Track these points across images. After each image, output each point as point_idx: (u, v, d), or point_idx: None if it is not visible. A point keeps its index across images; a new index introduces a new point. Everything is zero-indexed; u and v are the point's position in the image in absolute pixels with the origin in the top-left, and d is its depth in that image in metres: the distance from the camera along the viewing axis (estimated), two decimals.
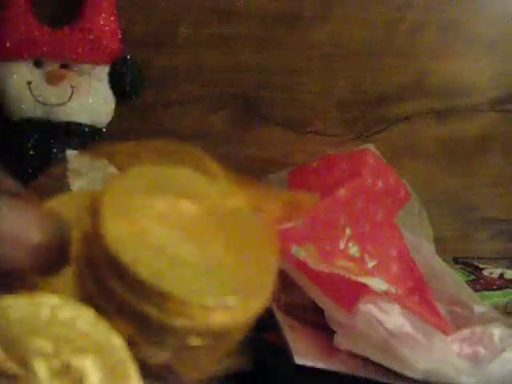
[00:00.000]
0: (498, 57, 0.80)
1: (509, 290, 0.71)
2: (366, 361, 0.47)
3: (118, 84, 0.69)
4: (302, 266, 0.52)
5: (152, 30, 0.77)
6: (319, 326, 0.50)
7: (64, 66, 0.67)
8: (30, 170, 0.63)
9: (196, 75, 0.79)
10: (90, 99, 0.67)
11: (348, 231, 0.58)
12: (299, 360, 0.46)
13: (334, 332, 0.48)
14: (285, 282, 0.54)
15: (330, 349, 0.48)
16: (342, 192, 0.58)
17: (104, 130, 0.71)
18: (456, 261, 0.81)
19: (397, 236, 0.61)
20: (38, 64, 0.67)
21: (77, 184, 0.60)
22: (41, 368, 0.33)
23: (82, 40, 0.66)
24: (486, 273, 0.77)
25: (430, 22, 0.79)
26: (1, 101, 0.67)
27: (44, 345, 0.34)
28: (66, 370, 0.34)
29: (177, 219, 0.40)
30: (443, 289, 0.57)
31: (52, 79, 0.66)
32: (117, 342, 0.36)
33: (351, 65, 0.79)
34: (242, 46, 0.78)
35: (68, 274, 0.38)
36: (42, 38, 0.66)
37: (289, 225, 0.55)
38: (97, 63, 0.68)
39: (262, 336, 0.51)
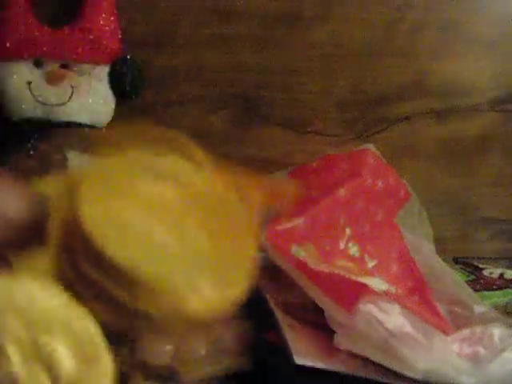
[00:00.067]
0: (498, 57, 0.80)
1: (509, 290, 0.71)
2: (365, 361, 0.47)
3: (118, 84, 0.69)
4: (302, 266, 0.52)
5: (152, 29, 0.77)
6: (319, 325, 0.50)
7: (64, 66, 0.67)
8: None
9: (196, 75, 0.79)
10: (90, 99, 0.67)
11: (348, 231, 0.58)
12: (299, 360, 0.46)
13: (334, 332, 0.48)
14: (285, 282, 0.54)
15: (330, 349, 0.48)
16: (342, 192, 0.58)
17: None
18: (456, 261, 0.81)
19: (397, 236, 0.61)
20: (37, 64, 0.67)
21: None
22: (14, 352, 0.33)
23: (82, 40, 0.66)
24: (485, 273, 0.77)
25: (430, 22, 0.79)
26: (1, 101, 0.67)
27: (17, 327, 0.33)
28: (37, 353, 0.33)
29: (157, 204, 0.40)
30: (443, 289, 0.57)
31: (52, 79, 0.66)
32: (90, 325, 0.36)
33: (351, 65, 0.79)
34: (242, 46, 0.78)
35: (44, 258, 0.38)
36: (42, 38, 0.66)
37: (288, 224, 0.55)
38: (97, 63, 0.68)
39: (262, 336, 0.51)
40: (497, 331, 0.49)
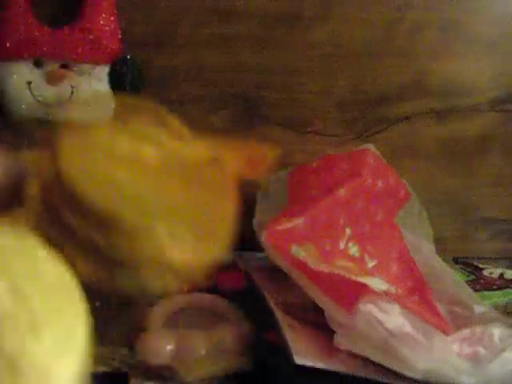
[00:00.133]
0: (498, 57, 0.80)
1: (509, 290, 0.71)
2: (365, 361, 0.47)
3: (118, 84, 0.69)
4: (302, 266, 0.52)
5: (152, 29, 0.77)
6: (319, 325, 0.50)
7: (64, 66, 0.67)
8: None
9: (196, 75, 0.79)
10: (90, 99, 0.67)
11: (348, 231, 0.58)
12: (299, 360, 0.46)
13: (334, 332, 0.48)
14: (285, 282, 0.54)
15: (330, 349, 0.48)
16: (342, 192, 0.58)
17: None
18: (456, 261, 0.81)
19: (397, 236, 0.61)
20: (37, 64, 0.67)
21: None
22: None
23: (82, 40, 0.66)
24: (486, 273, 0.77)
25: (430, 22, 0.79)
26: (1, 101, 0.67)
27: None
28: (14, 301, 0.33)
29: (136, 160, 0.40)
30: (443, 289, 0.57)
31: (52, 79, 0.66)
32: (66, 274, 0.36)
33: (351, 65, 0.79)
34: (242, 46, 0.78)
35: (23, 219, 0.38)
36: (42, 38, 0.66)
37: (288, 224, 0.55)
38: (97, 63, 0.68)
39: (262, 336, 0.51)
40: (497, 331, 0.49)
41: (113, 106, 0.70)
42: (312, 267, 0.52)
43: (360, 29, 0.78)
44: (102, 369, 0.51)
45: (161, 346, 0.49)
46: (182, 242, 0.38)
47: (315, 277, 0.51)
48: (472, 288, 0.62)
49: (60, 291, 0.34)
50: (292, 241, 0.54)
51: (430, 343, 0.46)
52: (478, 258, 0.83)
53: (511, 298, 0.69)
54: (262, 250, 0.55)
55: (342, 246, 0.57)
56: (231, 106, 0.80)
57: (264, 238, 0.54)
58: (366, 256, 0.58)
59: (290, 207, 0.59)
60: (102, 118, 0.70)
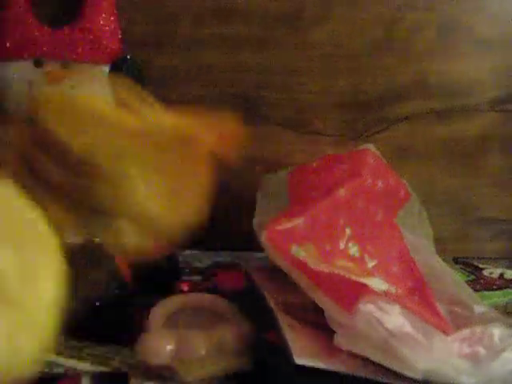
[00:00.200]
0: (498, 57, 0.80)
1: (509, 290, 0.71)
2: (365, 361, 0.47)
3: None
4: (302, 266, 0.52)
5: (152, 30, 0.77)
6: (319, 325, 0.50)
7: (64, 66, 0.67)
8: None
9: (196, 75, 0.79)
10: None
11: (348, 231, 0.58)
12: (299, 360, 0.46)
13: (334, 332, 0.48)
14: (285, 282, 0.54)
15: (330, 349, 0.48)
16: (341, 192, 0.58)
17: None
18: (456, 261, 0.81)
19: (397, 236, 0.61)
20: (38, 64, 0.67)
21: None
22: None
23: (82, 40, 0.66)
24: (486, 273, 0.77)
25: (430, 22, 0.79)
26: (1, 101, 0.67)
27: None
28: None
29: (116, 123, 0.41)
30: (443, 289, 0.57)
31: (52, 79, 0.66)
32: (43, 223, 0.36)
33: (351, 65, 0.79)
34: (242, 46, 0.78)
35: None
36: (42, 38, 0.66)
37: (288, 224, 0.55)
38: (97, 63, 0.68)
39: (262, 336, 0.51)
40: (497, 331, 0.49)
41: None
42: (312, 267, 0.52)
43: (360, 29, 0.78)
44: (102, 369, 0.51)
45: (161, 346, 0.49)
46: (157, 195, 0.39)
47: (315, 277, 0.51)
48: (472, 288, 0.62)
49: (36, 240, 0.35)
50: (292, 241, 0.54)
51: (430, 343, 0.46)
52: (478, 258, 0.83)
53: (511, 298, 0.69)
54: (262, 250, 0.55)
55: (341, 245, 0.57)
56: (231, 106, 0.80)
57: (264, 238, 0.54)
58: (366, 256, 0.58)
59: (290, 207, 0.59)
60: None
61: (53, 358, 0.52)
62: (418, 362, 0.45)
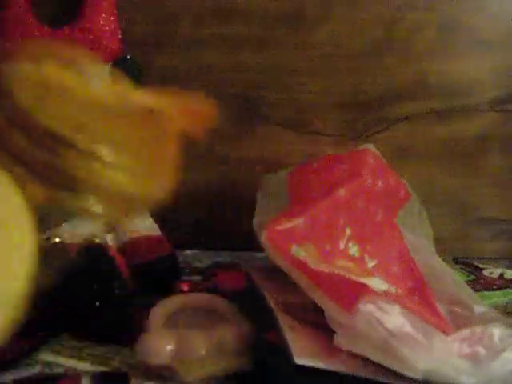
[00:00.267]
0: (498, 57, 0.80)
1: (509, 290, 0.71)
2: (365, 361, 0.47)
3: None
4: (302, 266, 0.52)
5: (152, 29, 0.77)
6: (319, 325, 0.50)
7: None
8: None
9: (196, 75, 0.79)
10: None
11: (348, 231, 0.58)
12: (299, 360, 0.46)
13: (334, 332, 0.48)
14: (285, 282, 0.54)
15: (330, 349, 0.48)
16: (342, 192, 0.58)
17: None
18: (456, 261, 0.81)
19: (397, 236, 0.61)
20: None
21: None
22: None
23: (82, 40, 0.66)
24: (486, 273, 0.77)
25: (430, 22, 0.79)
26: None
27: None
28: None
29: (86, 95, 0.41)
30: (443, 289, 0.57)
31: None
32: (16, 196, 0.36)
33: (351, 65, 0.79)
34: (242, 46, 0.78)
35: None
36: (42, 38, 0.66)
37: (288, 224, 0.55)
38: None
39: (262, 336, 0.51)
40: (497, 331, 0.49)
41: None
42: (312, 267, 0.52)
43: (360, 29, 0.78)
44: (102, 369, 0.51)
45: (161, 346, 0.49)
46: (126, 169, 0.40)
47: (315, 277, 0.51)
48: (472, 288, 0.62)
49: (9, 214, 0.35)
50: (292, 241, 0.54)
51: (430, 343, 0.46)
52: (478, 258, 0.83)
53: (511, 298, 0.69)
54: (262, 250, 0.55)
55: (341, 245, 0.57)
56: (231, 106, 0.80)
57: (264, 237, 0.54)
58: (366, 256, 0.58)
59: (290, 207, 0.59)
60: None
61: (53, 358, 0.52)
62: (418, 361, 0.45)
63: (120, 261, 0.62)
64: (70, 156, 0.39)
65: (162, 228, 0.70)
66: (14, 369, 0.50)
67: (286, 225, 0.55)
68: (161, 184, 0.44)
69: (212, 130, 0.80)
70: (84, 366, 0.51)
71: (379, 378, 0.46)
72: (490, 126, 0.82)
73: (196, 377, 0.49)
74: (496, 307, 0.62)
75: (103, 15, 0.68)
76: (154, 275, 0.66)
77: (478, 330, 0.49)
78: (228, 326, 0.53)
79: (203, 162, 0.82)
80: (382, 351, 0.46)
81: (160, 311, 0.55)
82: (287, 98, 0.80)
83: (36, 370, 0.50)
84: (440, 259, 0.62)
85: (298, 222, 0.55)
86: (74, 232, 0.63)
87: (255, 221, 0.59)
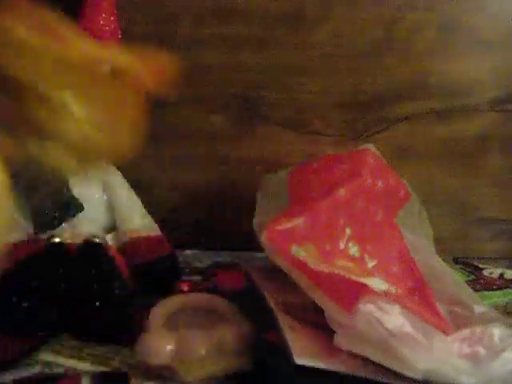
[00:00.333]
0: (498, 57, 0.80)
1: (509, 290, 0.71)
2: (365, 361, 0.47)
3: None
4: (302, 266, 0.52)
5: (152, 29, 0.77)
6: (319, 325, 0.50)
7: None
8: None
9: (196, 75, 0.79)
10: None
11: (348, 231, 0.58)
12: (299, 360, 0.46)
13: (334, 332, 0.48)
14: (285, 282, 0.54)
15: (330, 349, 0.48)
16: (342, 192, 0.58)
17: None
18: (456, 261, 0.81)
19: (397, 236, 0.61)
20: None
21: None
22: None
23: None
24: (486, 273, 0.77)
25: (430, 22, 0.79)
26: None
27: None
28: None
29: (52, 51, 0.43)
30: (443, 289, 0.57)
31: None
32: None
33: (351, 65, 0.79)
34: (242, 46, 0.78)
35: None
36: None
37: (288, 224, 0.55)
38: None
39: (262, 336, 0.51)
40: (497, 331, 0.49)
41: None
42: (312, 267, 0.52)
43: (360, 29, 0.78)
44: (102, 369, 0.51)
45: (161, 346, 0.49)
46: (91, 121, 0.41)
47: (315, 277, 0.51)
48: (472, 288, 0.62)
49: None
50: (292, 241, 0.54)
51: (430, 343, 0.46)
52: (478, 258, 0.83)
53: (511, 298, 0.69)
54: (262, 250, 0.55)
55: (341, 245, 0.57)
56: (231, 106, 0.80)
57: (264, 237, 0.54)
58: (366, 256, 0.58)
59: (290, 207, 0.59)
60: None
61: (53, 358, 0.52)
62: (418, 361, 0.45)
63: (120, 261, 0.62)
64: (34, 103, 0.40)
65: (161, 228, 0.70)
66: (13, 369, 0.50)
67: (286, 225, 0.55)
68: (124, 138, 0.45)
69: (212, 130, 0.81)
70: (84, 366, 0.51)
71: (379, 378, 0.46)
72: (490, 126, 0.82)
73: (196, 377, 0.49)
74: (496, 307, 0.62)
75: (103, 15, 0.68)
76: (154, 275, 0.66)
77: (478, 330, 0.49)
78: (228, 325, 0.53)
79: (203, 161, 0.82)
80: (381, 351, 0.46)
81: (160, 311, 0.55)
82: (287, 98, 0.80)
83: (36, 370, 0.50)
84: (440, 259, 0.62)
85: (298, 222, 0.55)
86: (73, 232, 0.63)
87: (255, 221, 0.59)
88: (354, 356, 0.47)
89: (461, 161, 0.83)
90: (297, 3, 0.78)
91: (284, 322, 0.51)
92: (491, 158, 0.83)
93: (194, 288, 0.65)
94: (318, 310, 0.50)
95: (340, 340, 0.48)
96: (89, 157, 0.46)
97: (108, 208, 0.68)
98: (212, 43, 0.78)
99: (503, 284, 0.73)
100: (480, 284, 0.73)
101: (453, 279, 0.60)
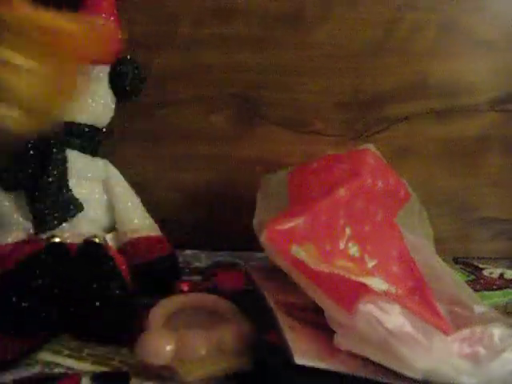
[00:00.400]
0: (498, 57, 0.80)
1: (509, 290, 0.71)
2: (366, 361, 0.47)
3: (118, 84, 0.69)
4: (301, 266, 0.52)
5: (152, 30, 0.77)
6: (319, 325, 0.50)
7: None
8: (29, 170, 0.63)
9: (196, 75, 0.79)
10: (90, 99, 0.67)
11: (348, 231, 0.58)
12: (299, 360, 0.46)
13: (334, 332, 0.48)
14: (285, 282, 0.54)
15: (330, 349, 0.48)
16: (342, 192, 0.58)
17: (104, 129, 0.71)
18: (456, 261, 0.81)
19: (397, 236, 0.61)
20: None
21: None
22: None
23: None
24: (486, 273, 0.77)
25: (430, 22, 0.79)
26: None
27: None
28: None
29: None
30: (443, 289, 0.57)
31: None
32: None
33: (351, 65, 0.79)
34: (242, 45, 0.78)
35: None
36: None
37: (288, 224, 0.55)
38: (97, 63, 0.68)
39: (262, 336, 0.51)
40: (497, 331, 0.49)
41: (113, 106, 0.70)
42: (312, 267, 0.52)
43: (360, 29, 0.78)
44: (102, 369, 0.51)
45: (161, 346, 0.49)
46: (33, 82, 0.45)
47: (315, 277, 0.51)
48: (472, 288, 0.62)
49: None
50: (292, 241, 0.54)
51: (430, 343, 0.46)
52: (478, 258, 0.83)
53: (511, 298, 0.69)
54: (262, 250, 0.55)
55: (341, 246, 0.57)
56: (231, 106, 0.80)
57: (264, 237, 0.54)
58: (366, 256, 0.58)
59: (290, 207, 0.59)
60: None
61: (53, 358, 0.52)
62: (418, 361, 0.45)
63: (120, 261, 0.62)
64: None
65: (161, 228, 0.70)
66: (13, 369, 0.50)
67: (286, 225, 0.55)
68: (64, 95, 0.48)
69: (212, 130, 0.81)
70: (84, 366, 0.51)
71: (379, 378, 0.46)
72: (490, 126, 0.82)
73: (196, 377, 0.49)
74: (496, 307, 0.62)
75: (103, 15, 0.68)
76: (154, 275, 0.66)
77: (478, 330, 0.49)
78: (228, 325, 0.53)
79: (203, 161, 0.82)
80: (381, 351, 0.46)
81: (160, 311, 0.55)
82: (287, 98, 0.80)
83: (36, 370, 0.50)
84: (440, 259, 0.62)
85: (298, 221, 0.55)
86: (73, 232, 0.63)
87: (255, 221, 0.59)
88: (354, 356, 0.47)
89: (461, 161, 0.83)
90: (297, 3, 0.78)
91: (284, 322, 0.51)
92: (491, 157, 0.83)
93: (194, 288, 0.65)
94: (318, 310, 0.50)
95: (340, 340, 0.48)
96: (39, 111, 0.48)
97: (108, 208, 0.68)
98: (212, 43, 0.78)
99: (503, 284, 0.73)
100: (480, 284, 0.73)
101: (453, 279, 0.60)
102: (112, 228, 0.68)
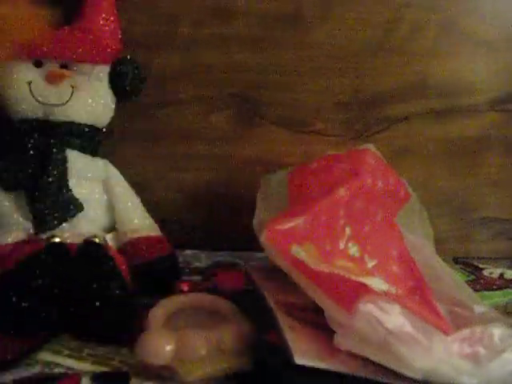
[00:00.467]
0: (498, 57, 0.80)
1: (509, 290, 0.71)
2: (366, 361, 0.47)
3: (118, 84, 0.69)
4: (301, 266, 0.52)
5: (152, 30, 0.77)
6: (319, 325, 0.50)
7: (64, 66, 0.67)
8: (29, 170, 0.63)
9: (196, 75, 0.79)
10: (90, 99, 0.67)
11: (348, 231, 0.58)
12: (299, 360, 0.46)
13: (334, 332, 0.48)
14: (285, 282, 0.54)
15: (330, 349, 0.48)
16: (342, 192, 0.58)
17: (104, 130, 0.71)
18: (456, 261, 0.81)
19: (397, 236, 0.61)
20: (38, 64, 0.67)
21: None
22: None
23: (82, 40, 0.66)
24: (485, 273, 0.77)
25: (430, 22, 0.79)
26: (1, 101, 0.67)
27: None
28: None
29: None
30: (443, 289, 0.57)
31: (52, 79, 0.66)
32: None
33: (351, 65, 0.79)
34: (242, 46, 0.78)
35: None
36: (42, 37, 0.66)
37: (288, 224, 0.55)
38: (97, 63, 0.68)
39: (262, 336, 0.51)
40: (497, 331, 0.49)
41: (113, 106, 0.70)
42: (312, 267, 0.52)
43: (360, 29, 0.78)
44: (102, 369, 0.51)
45: (161, 346, 0.49)
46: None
47: (315, 277, 0.51)
48: (472, 288, 0.62)
49: None
50: (292, 241, 0.54)
51: (429, 343, 0.46)
52: (478, 258, 0.83)
53: (511, 298, 0.69)
54: (262, 250, 0.55)
55: (341, 246, 0.57)
56: (231, 106, 0.80)
57: (264, 237, 0.54)
58: (366, 256, 0.58)
59: (290, 207, 0.59)
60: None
61: (53, 358, 0.52)
62: (418, 361, 0.45)
63: (120, 261, 0.62)
64: None
65: (161, 228, 0.70)
66: (13, 369, 0.50)
67: (286, 225, 0.55)
68: None
69: (212, 130, 0.81)
70: (84, 366, 0.51)
71: (379, 378, 0.46)
72: (490, 126, 0.82)
73: (196, 377, 0.49)
74: (496, 307, 0.62)
75: (103, 15, 0.68)
76: (154, 275, 0.66)
77: (478, 330, 0.49)
78: (228, 325, 0.53)
79: (203, 161, 0.82)
80: (381, 351, 0.46)
81: (160, 311, 0.55)
82: (287, 98, 0.80)
83: (36, 370, 0.50)
84: (440, 259, 0.62)
85: (298, 221, 0.55)
86: (73, 232, 0.63)
87: (255, 221, 0.59)
88: (353, 356, 0.47)
89: (461, 161, 0.83)
90: (296, 3, 0.78)
91: (284, 322, 0.51)
92: (491, 157, 0.83)
93: (194, 288, 0.65)
94: (318, 310, 0.50)
95: (340, 340, 0.48)
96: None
97: (108, 208, 0.68)
98: (212, 43, 0.78)
99: (503, 284, 0.73)
100: (480, 284, 0.73)
101: (453, 279, 0.60)
102: (112, 228, 0.68)
